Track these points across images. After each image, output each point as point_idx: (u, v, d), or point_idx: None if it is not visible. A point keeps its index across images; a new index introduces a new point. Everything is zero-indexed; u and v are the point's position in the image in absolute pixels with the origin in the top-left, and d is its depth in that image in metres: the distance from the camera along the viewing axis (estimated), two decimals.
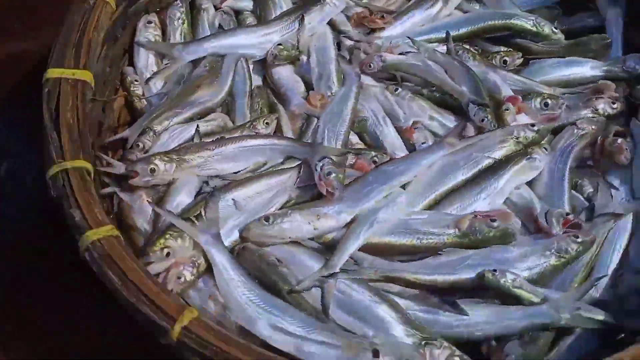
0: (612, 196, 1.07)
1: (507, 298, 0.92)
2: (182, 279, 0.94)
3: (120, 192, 1.05)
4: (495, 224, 0.99)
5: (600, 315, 0.89)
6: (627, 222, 1.03)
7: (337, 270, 0.96)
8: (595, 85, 1.24)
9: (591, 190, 1.11)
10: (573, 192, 1.11)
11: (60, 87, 0.99)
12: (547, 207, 1.04)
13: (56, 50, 1.04)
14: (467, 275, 0.95)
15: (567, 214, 1.00)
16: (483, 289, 0.94)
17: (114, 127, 1.20)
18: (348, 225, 1.03)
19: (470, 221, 1.01)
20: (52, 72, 1.01)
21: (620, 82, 1.26)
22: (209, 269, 0.96)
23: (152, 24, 1.30)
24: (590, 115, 1.20)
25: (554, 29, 1.34)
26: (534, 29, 1.34)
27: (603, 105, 1.21)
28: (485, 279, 0.92)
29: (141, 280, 0.81)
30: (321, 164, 1.07)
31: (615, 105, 1.21)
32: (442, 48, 1.34)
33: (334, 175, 1.04)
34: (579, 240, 0.96)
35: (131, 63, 1.30)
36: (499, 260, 0.96)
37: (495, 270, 0.92)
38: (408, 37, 1.34)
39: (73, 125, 0.95)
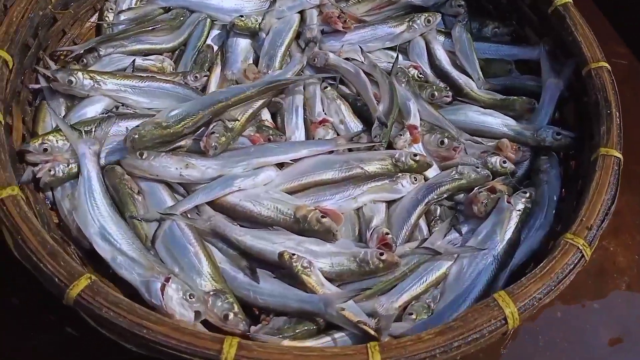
0: (444, 235, 1.14)
1: (295, 281, 1.03)
2: (53, 172, 1.12)
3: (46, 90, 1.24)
4: (324, 220, 1.10)
5: (358, 319, 0.97)
6: (443, 263, 1.10)
7: (177, 212, 1.11)
8: (498, 142, 1.30)
9: (438, 228, 1.18)
10: (422, 223, 1.19)
11: None
12: (380, 225, 1.13)
13: None
14: (276, 251, 1.06)
15: (387, 234, 1.09)
16: (282, 267, 1.05)
17: (75, 40, 1.39)
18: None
19: (306, 211, 1.12)
20: None
21: (527, 148, 1.31)
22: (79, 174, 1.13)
23: None
24: (478, 165, 1.26)
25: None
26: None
27: (494, 161, 1.26)
28: (281, 257, 1.03)
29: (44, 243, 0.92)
30: (214, 124, 1.21)
31: (505, 165, 1.26)
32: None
33: (216, 135, 1.18)
34: (382, 257, 1.05)
35: None
36: (309, 249, 1.07)
37: (294, 254, 1.03)
38: (360, 47, 1.44)
39: (13, 21, 1.14)
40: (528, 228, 1.17)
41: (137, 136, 1.12)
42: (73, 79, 1.20)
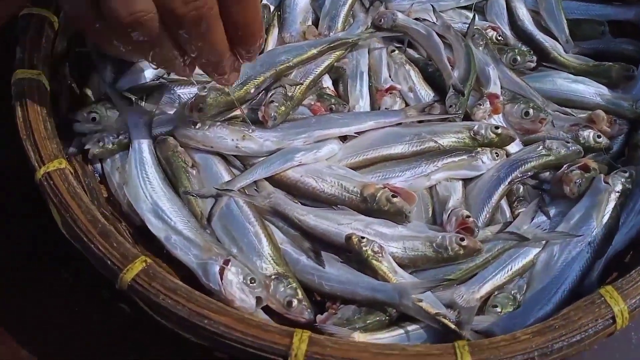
0: (531, 219, 1.01)
1: (365, 267, 0.93)
2: (102, 144, 1.04)
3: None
4: (395, 199, 0.99)
5: (437, 311, 0.87)
6: (531, 250, 0.97)
7: (234, 189, 1.01)
8: (590, 114, 1.15)
9: (523, 210, 1.05)
10: (504, 205, 1.06)
11: None
12: (459, 207, 1.01)
13: None
14: (342, 233, 0.96)
15: (467, 217, 0.97)
16: (349, 251, 0.95)
17: None
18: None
19: (374, 189, 1.01)
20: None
21: (623, 121, 1.15)
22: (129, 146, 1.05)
23: None
24: (568, 140, 1.11)
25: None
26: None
27: (587, 135, 1.12)
28: (349, 241, 0.93)
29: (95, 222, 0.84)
30: (273, 92, 1.11)
31: (600, 139, 1.11)
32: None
33: (275, 104, 1.07)
34: (463, 243, 0.94)
35: None
36: (378, 232, 0.96)
37: (363, 238, 0.93)
38: (432, 5, 1.29)
39: None
40: (627, 212, 1.03)
41: (203, 104, 1.03)
42: None
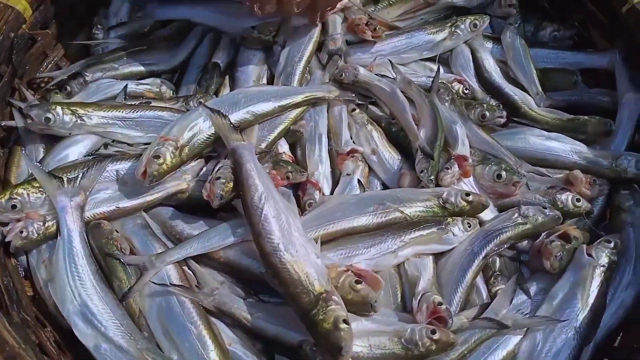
0: (510, 299, 0.91)
1: None
2: (25, 234, 0.92)
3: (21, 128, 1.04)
4: (359, 286, 0.88)
5: None
6: (511, 339, 0.87)
7: (163, 265, 0.91)
8: (567, 174, 1.06)
9: (501, 287, 0.95)
10: (479, 282, 0.96)
11: None
12: (430, 290, 0.90)
13: None
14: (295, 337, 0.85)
15: (440, 304, 0.86)
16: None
17: (58, 63, 1.19)
18: None
19: (337, 273, 0.90)
20: None
21: (603, 180, 1.07)
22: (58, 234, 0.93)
23: None
24: (545, 205, 1.02)
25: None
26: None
27: (565, 199, 1.03)
28: (301, 349, 0.83)
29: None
30: (221, 164, 1.00)
31: (579, 203, 1.03)
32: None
33: (221, 181, 0.96)
34: (435, 337, 0.83)
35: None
36: None
37: (315, 346, 0.82)
38: (389, 60, 1.21)
39: None
40: (614, 287, 0.94)
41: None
42: (51, 116, 1.00)
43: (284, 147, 1.13)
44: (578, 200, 1.03)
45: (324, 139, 1.13)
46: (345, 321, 0.79)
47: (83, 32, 1.24)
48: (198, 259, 0.95)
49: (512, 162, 1.07)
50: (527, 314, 0.90)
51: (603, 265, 0.92)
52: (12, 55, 1.04)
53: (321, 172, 1.09)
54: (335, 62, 1.22)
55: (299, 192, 1.07)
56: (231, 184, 0.96)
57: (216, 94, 1.18)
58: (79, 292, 0.87)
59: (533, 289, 0.95)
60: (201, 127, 1.02)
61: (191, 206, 1.03)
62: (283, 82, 1.19)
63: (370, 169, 1.12)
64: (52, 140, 1.04)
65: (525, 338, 0.88)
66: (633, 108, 1.12)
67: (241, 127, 1.05)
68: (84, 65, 1.13)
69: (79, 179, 0.96)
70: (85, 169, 0.97)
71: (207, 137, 1.02)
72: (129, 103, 1.09)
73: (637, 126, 1.12)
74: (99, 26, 1.23)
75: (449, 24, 1.25)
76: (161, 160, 0.95)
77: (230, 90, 1.19)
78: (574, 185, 1.04)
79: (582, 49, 1.26)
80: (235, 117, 1.05)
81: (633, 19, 1.10)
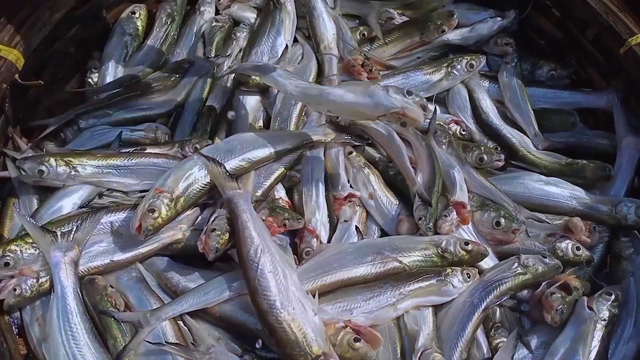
0: (512, 356, 0.90)
1: None
2: (18, 291, 0.91)
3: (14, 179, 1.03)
4: (357, 344, 0.87)
5: None
6: None
7: (158, 322, 0.90)
8: (567, 221, 1.05)
9: (502, 340, 0.94)
10: (480, 336, 0.95)
11: None
12: (430, 347, 0.89)
13: None
14: None
15: None
16: None
17: (52, 109, 1.18)
18: None
19: (335, 330, 0.89)
20: None
21: (603, 227, 1.06)
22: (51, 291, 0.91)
23: (136, 15, 1.26)
24: (545, 254, 1.01)
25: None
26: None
27: (565, 247, 1.02)
28: None
29: None
30: (216, 214, 0.99)
31: (579, 252, 1.02)
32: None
33: (217, 233, 0.94)
34: None
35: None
36: None
37: None
38: None
39: None
40: (615, 341, 0.93)
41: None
42: (44, 168, 0.99)
43: (280, 192, 1.12)
44: (578, 248, 1.02)
45: (321, 184, 1.12)
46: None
47: (77, 75, 1.23)
48: (194, 312, 0.94)
49: (511, 207, 1.06)
50: None
51: (604, 319, 0.91)
52: (4, 105, 1.03)
53: (318, 218, 1.08)
54: None
55: (296, 240, 1.06)
56: (227, 236, 0.95)
57: (212, 137, 1.17)
58: (73, 352, 0.86)
59: (534, 342, 0.94)
60: (196, 176, 1.01)
61: (187, 256, 1.02)
62: (280, 125, 1.18)
63: (367, 213, 1.11)
64: (46, 190, 1.03)
65: None
66: (632, 153, 1.11)
67: (237, 175, 1.04)
68: (77, 113, 1.12)
69: (72, 232, 0.95)
70: (79, 221, 0.96)
71: (203, 186, 1.01)
72: (124, 151, 1.08)
73: (637, 171, 1.11)
74: (93, 70, 1.22)
75: (445, 64, 1.24)
76: (156, 214, 0.94)
77: (227, 134, 1.18)
78: (573, 233, 1.04)
79: (579, 89, 1.25)
80: (231, 164, 1.04)
81: (630, 60, 1.10)
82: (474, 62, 1.24)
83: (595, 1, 1.16)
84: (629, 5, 1.15)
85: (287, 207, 1.10)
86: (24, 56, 1.02)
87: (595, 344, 0.89)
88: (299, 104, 1.19)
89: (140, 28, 1.27)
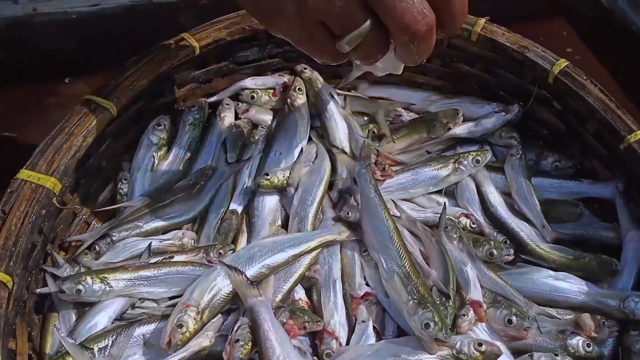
0: None
1: None
2: None
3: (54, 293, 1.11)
4: None
5: None
6: None
7: None
8: (577, 317, 1.09)
9: None
10: None
11: (20, 190, 1.07)
12: None
13: (37, 151, 1.12)
14: None
15: None
16: None
17: (88, 220, 1.27)
18: None
19: None
20: (22, 173, 1.09)
21: (612, 322, 1.10)
22: None
23: (161, 127, 1.36)
24: (557, 352, 1.05)
25: None
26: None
27: (576, 344, 1.06)
28: None
29: None
30: (239, 323, 1.05)
31: (590, 349, 1.05)
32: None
33: (240, 344, 1.01)
34: None
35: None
36: None
37: None
38: (392, 200, 1.27)
39: (12, 231, 1.03)
40: None
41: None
42: (81, 287, 1.07)
43: (300, 293, 1.18)
44: (589, 345, 1.05)
45: (338, 284, 1.18)
46: None
47: (109, 186, 1.33)
48: None
49: (522, 303, 1.10)
50: None
51: None
52: (42, 226, 1.12)
53: (337, 320, 1.13)
54: (347, 200, 1.29)
55: (316, 341, 1.12)
56: (250, 345, 1.01)
57: (234, 240, 1.25)
58: None
59: None
60: (220, 287, 1.08)
61: None
62: (297, 225, 1.25)
63: (384, 311, 1.16)
64: (84, 304, 1.11)
65: None
66: (636, 246, 1.15)
67: (257, 280, 1.11)
68: (110, 227, 1.21)
69: (108, 348, 1.03)
70: (114, 336, 1.04)
71: (227, 295, 1.08)
72: (153, 262, 1.16)
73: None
74: (124, 180, 1.31)
75: (452, 160, 1.31)
76: (184, 329, 1.02)
77: (248, 236, 1.26)
78: (583, 330, 1.07)
79: (584, 179, 1.31)
80: (251, 272, 1.11)
81: (630, 156, 1.15)
82: (479, 158, 1.30)
83: (593, 98, 1.23)
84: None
85: (307, 307, 1.16)
86: (60, 181, 1.12)
87: None
88: (315, 204, 1.27)
89: (165, 138, 1.36)
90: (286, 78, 1.47)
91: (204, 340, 1.08)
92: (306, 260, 1.19)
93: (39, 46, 1.78)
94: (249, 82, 1.45)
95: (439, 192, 1.32)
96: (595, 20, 1.99)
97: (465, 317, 1.08)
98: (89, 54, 1.75)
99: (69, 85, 1.67)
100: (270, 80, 1.47)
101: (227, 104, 1.44)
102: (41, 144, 1.14)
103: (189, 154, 1.37)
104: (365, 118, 1.45)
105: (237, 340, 1.02)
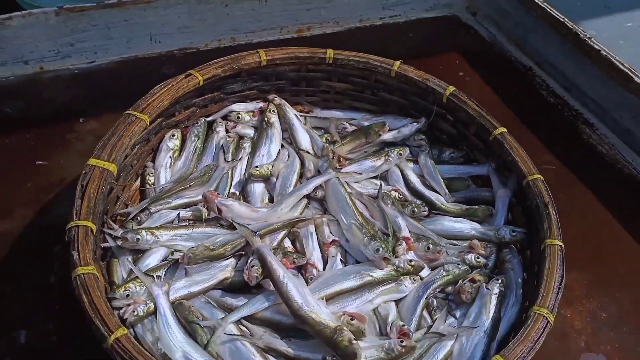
0: (444, 321, 1.48)
1: None
2: (136, 313, 1.42)
3: (114, 247, 1.56)
4: (353, 322, 1.42)
5: None
6: (448, 342, 1.44)
7: (226, 324, 1.41)
8: (469, 243, 1.69)
9: (438, 315, 1.52)
10: (425, 314, 1.53)
11: (92, 172, 1.53)
12: (396, 320, 1.46)
13: (98, 147, 1.59)
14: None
15: (403, 325, 1.43)
16: None
17: (126, 202, 1.73)
18: None
19: (337, 316, 1.44)
20: (91, 161, 1.55)
21: (492, 244, 1.70)
22: (156, 311, 1.43)
23: (175, 137, 1.87)
24: (459, 263, 1.63)
25: None
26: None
27: (470, 258, 1.65)
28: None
29: (100, 306, 1.29)
30: (251, 258, 1.55)
31: (479, 260, 1.65)
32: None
33: (255, 268, 1.51)
34: (403, 344, 1.38)
35: (154, 159, 1.86)
36: None
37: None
38: (347, 182, 1.84)
39: (92, 197, 1.48)
40: (505, 307, 1.53)
41: (191, 255, 1.50)
42: (139, 237, 1.53)
43: (287, 242, 1.70)
44: (478, 258, 1.64)
45: (314, 235, 1.70)
46: (355, 339, 1.34)
47: (138, 179, 1.81)
48: (246, 317, 1.46)
49: (435, 239, 1.68)
50: (455, 327, 1.47)
51: (496, 294, 1.51)
52: (104, 201, 1.57)
53: (315, 256, 1.65)
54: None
55: (302, 271, 1.61)
56: (261, 270, 1.51)
57: None
58: (179, 345, 1.34)
59: (457, 313, 1.52)
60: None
61: (232, 289, 1.56)
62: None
63: (345, 252, 1.70)
64: (137, 252, 1.57)
65: (456, 342, 1.44)
66: (504, 198, 1.78)
67: (260, 235, 1.61)
68: (149, 202, 1.68)
69: (163, 275, 1.49)
70: (165, 269, 1.51)
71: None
72: (182, 224, 1.64)
73: (508, 210, 1.78)
74: (150, 174, 1.79)
75: (384, 154, 1.89)
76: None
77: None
78: (474, 249, 1.66)
79: (470, 164, 1.95)
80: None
81: (497, 145, 1.80)
82: (401, 152, 1.90)
83: (472, 110, 1.87)
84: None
85: (293, 251, 1.67)
86: (117, 168, 1.59)
87: (492, 308, 1.48)
88: (292, 186, 1.80)
89: (178, 145, 1.86)
90: (262, 104, 2.03)
91: (226, 272, 1.56)
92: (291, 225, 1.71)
93: (53, 96, 2.19)
94: (235, 107, 2.00)
95: (376, 177, 1.90)
96: (479, 51, 2.61)
97: (400, 246, 1.64)
98: (93, 99, 2.20)
99: (84, 123, 2.12)
100: (250, 105, 2.02)
101: (220, 122, 1.98)
102: (100, 142, 1.61)
103: (195, 157, 1.87)
104: (323, 131, 2.02)
105: (253, 266, 1.51)
